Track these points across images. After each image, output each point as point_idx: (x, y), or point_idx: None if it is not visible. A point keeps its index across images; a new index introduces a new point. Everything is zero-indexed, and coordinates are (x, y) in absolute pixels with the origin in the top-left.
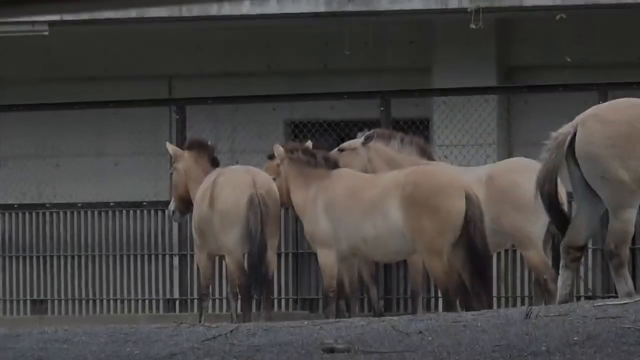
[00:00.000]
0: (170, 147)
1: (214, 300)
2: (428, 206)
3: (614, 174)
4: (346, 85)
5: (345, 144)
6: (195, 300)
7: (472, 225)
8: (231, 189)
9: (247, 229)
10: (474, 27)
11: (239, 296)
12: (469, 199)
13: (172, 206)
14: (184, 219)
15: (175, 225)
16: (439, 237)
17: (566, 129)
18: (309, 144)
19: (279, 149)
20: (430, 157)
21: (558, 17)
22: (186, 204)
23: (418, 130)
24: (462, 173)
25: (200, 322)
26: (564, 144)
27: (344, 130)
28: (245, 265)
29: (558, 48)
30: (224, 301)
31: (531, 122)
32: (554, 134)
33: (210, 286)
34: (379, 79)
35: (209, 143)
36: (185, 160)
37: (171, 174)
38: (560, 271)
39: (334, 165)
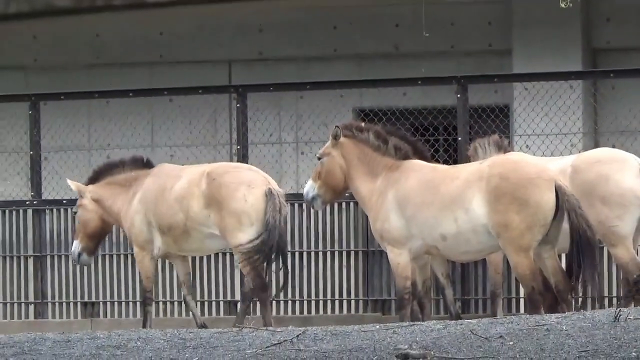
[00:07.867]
0: (73, 184)
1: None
2: (516, 199)
3: None
4: (419, 70)
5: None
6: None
7: (573, 214)
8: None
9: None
10: (563, 6)
11: (253, 297)
12: (559, 190)
13: (77, 248)
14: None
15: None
16: (527, 232)
17: None
18: None
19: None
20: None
21: None
22: (97, 242)
23: (497, 118)
24: (546, 164)
25: (145, 326)
26: None
27: (417, 119)
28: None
29: None
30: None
31: (619, 108)
32: None
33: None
34: (455, 63)
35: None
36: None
37: (75, 213)
38: None
39: (405, 155)
